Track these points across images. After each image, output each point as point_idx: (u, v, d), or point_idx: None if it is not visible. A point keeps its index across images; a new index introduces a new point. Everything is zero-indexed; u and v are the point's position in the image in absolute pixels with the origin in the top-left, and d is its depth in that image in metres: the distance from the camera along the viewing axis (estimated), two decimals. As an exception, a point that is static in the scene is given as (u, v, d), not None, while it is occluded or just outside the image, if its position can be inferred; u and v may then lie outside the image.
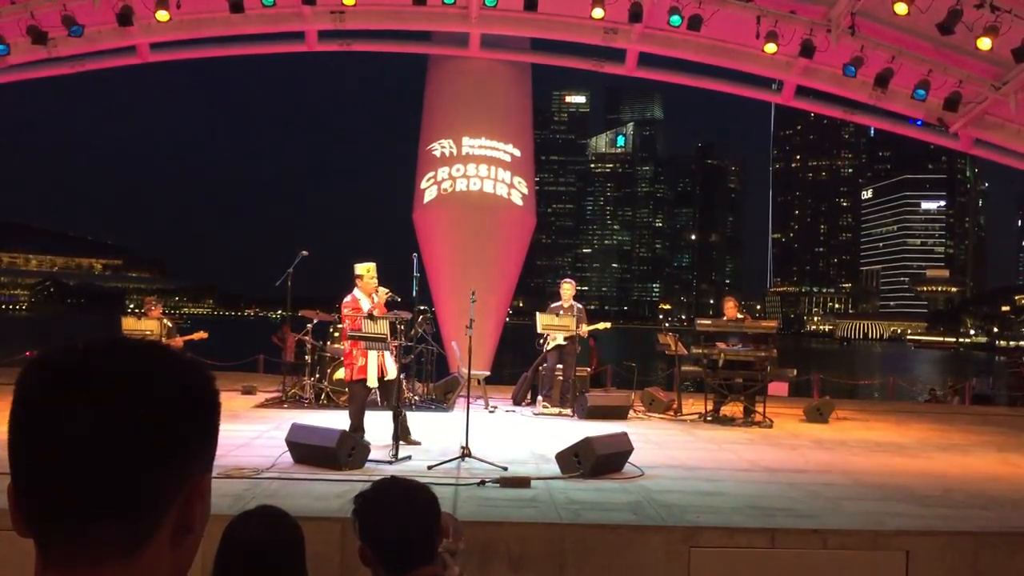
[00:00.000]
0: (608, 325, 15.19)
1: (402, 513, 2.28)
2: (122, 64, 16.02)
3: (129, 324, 12.92)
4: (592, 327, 13.58)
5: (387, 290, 9.96)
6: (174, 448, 0.94)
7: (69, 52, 14.86)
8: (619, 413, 12.43)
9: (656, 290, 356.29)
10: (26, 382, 0.94)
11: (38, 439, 0.91)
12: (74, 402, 0.91)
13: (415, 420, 10.68)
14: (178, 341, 12.92)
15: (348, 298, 9.82)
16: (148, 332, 12.38)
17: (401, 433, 9.25)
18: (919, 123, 16.23)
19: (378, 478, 2.50)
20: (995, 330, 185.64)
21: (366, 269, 9.86)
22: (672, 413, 13.02)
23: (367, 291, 9.79)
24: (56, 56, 14.74)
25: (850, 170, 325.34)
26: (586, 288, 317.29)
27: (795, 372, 15.54)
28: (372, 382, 9.58)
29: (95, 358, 0.94)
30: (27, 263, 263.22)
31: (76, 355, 0.94)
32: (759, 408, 12.34)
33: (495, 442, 9.74)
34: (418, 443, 9.50)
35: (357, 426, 9.38)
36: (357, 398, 9.68)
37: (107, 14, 13.85)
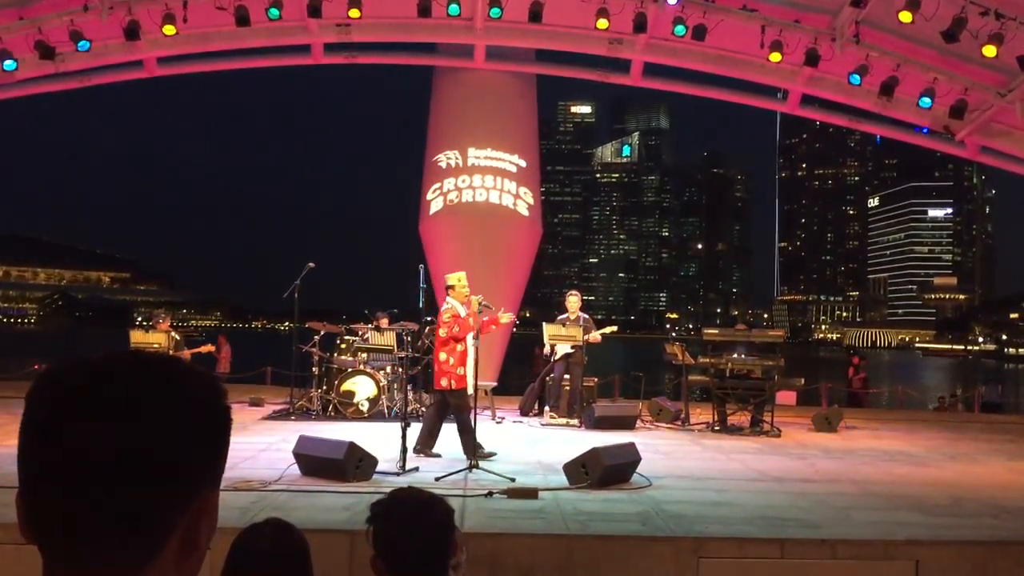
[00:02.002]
0: (614, 329, 15.24)
1: (418, 524, 2.27)
2: (129, 78, 16.09)
3: (137, 337, 12.96)
4: (601, 331, 13.61)
5: (480, 297, 9.92)
6: (183, 465, 0.94)
7: (77, 67, 14.94)
8: (626, 423, 12.42)
9: (663, 299, 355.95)
10: (36, 397, 0.94)
11: (47, 455, 0.91)
12: (83, 419, 0.90)
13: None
14: (186, 354, 12.94)
15: (447, 306, 9.70)
16: (156, 345, 12.43)
17: (424, 443, 9.25)
18: (925, 131, 16.21)
19: (386, 490, 2.49)
20: (1004, 338, 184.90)
21: (457, 279, 9.89)
22: (679, 423, 12.99)
23: (460, 299, 9.77)
24: (64, 71, 14.82)
25: (856, 178, 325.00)
26: (592, 298, 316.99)
27: (803, 381, 15.51)
28: (471, 390, 9.56)
29: (105, 373, 0.94)
30: (35, 276, 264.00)
31: (85, 370, 0.94)
32: (767, 417, 12.31)
33: (502, 453, 9.74)
34: (438, 455, 9.54)
35: (474, 443, 9.34)
36: (466, 408, 9.51)
37: (114, 29, 13.93)
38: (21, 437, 0.93)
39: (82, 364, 0.95)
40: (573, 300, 13.61)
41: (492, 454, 9.53)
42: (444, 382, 9.44)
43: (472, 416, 9.37)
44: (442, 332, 9.52)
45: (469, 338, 9.59)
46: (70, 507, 0.90)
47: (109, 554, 0.91)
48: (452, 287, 9.86)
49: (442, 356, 9.45)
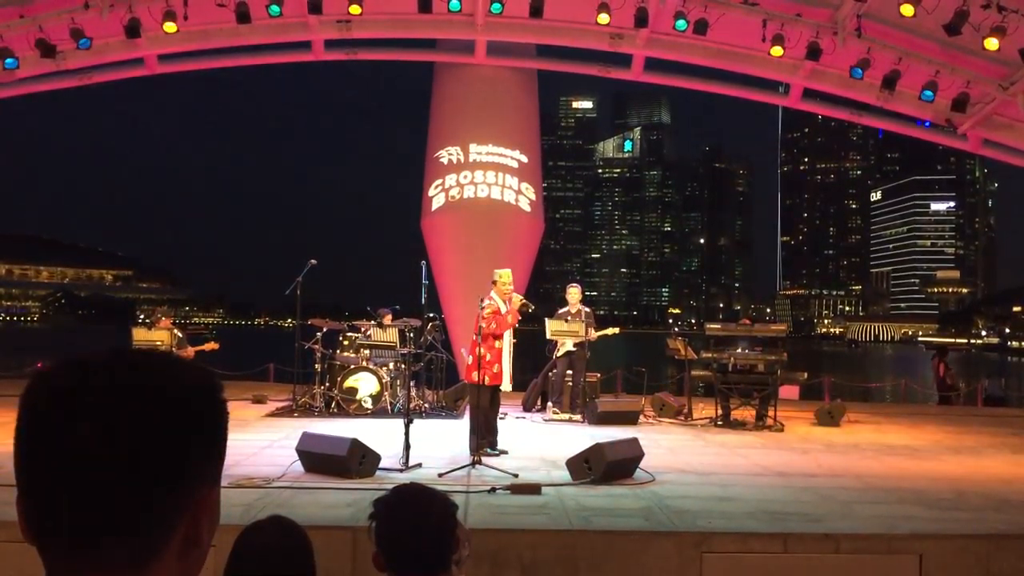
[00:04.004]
0: (616, 330, 15.18)
1: (419, 520, 2.27)
2: (130, 76, 16.12)
3: (140, 335, 12.95)
4: (601, 333, 13.54)
5: (521, 297, 9.96)
6: (181, 465, 0.92)
7: (77, 65, 14.95)
8: (629, 418, 12.41)
9: (665, 294, 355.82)
10: (29, 399, 0.92)
11: (41, 459, 0.90)
12: (76, 423, 0.89)
13: (425, 427, 10.70)
14: (189, 351, 12.94)
15: (488, 301, 9.69)
16: (158, 343, 12.42)
17: (482, 444, 9.25)
18: (927, 124, 16.19)
19: (389, 487, 2.50)
20: (1007, 331, 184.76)
21: (500, 275, 9.97)
22: (682, 418, 12.98)
23: (502, 295, 9.84)
24: (65, 69, 14.84)
25: (858, 172, 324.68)
26: (595, 293, 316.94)
27: (806, 375, 15.49)
28: (506, 386, 9.58)
29: (98, 374, 0.92)
30: (38, 275, 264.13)
31: (78, 372, 0.92)
32: (770, 412, 12.30)
33: (506, 448, 9.73)
34: (504, 452, 9.59)
35: (494, 435, 9.55)
36: (495, 403, 9.72)
37: (115, 26, 13.94)
38: (15, 440, 0.92)
39: (74, 364, 0.93)
40: (573, 292, 13.57)
41: (503, 452, 9.55)
42: (476, 376, 9.43)
43: (491, 416, 9.53)
44: (485, 325, 9.47)
45: (506, 337, 9.61)
46: (65, 511, 0.89)
47: (108, 556, 0.90)
48: (494, 283, 9.94)
49: (479, 351, 9.37)
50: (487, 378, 9.39)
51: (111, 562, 0.90)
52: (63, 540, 0.90)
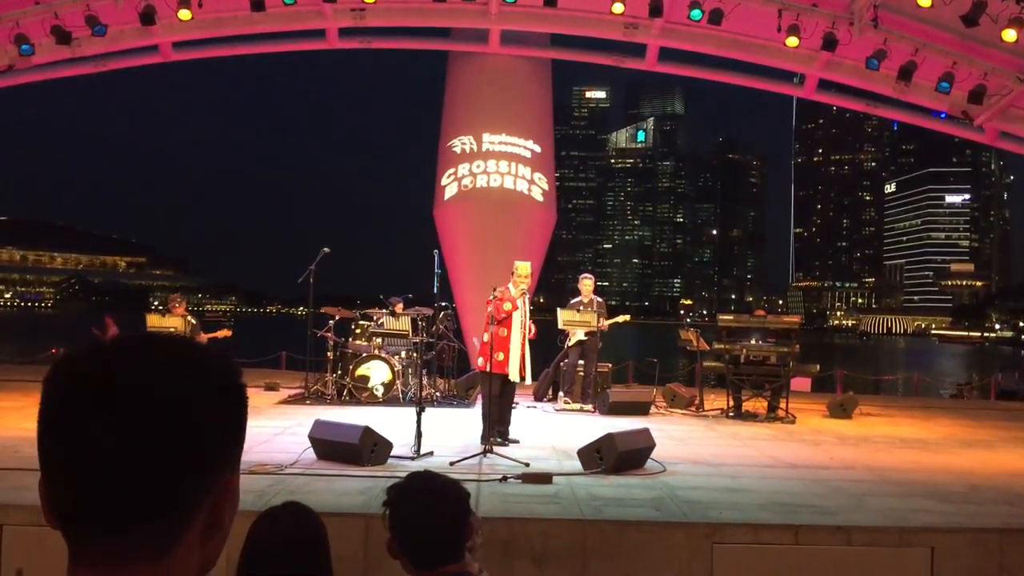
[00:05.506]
0: (627, 318, 15.19)
1: (433, 508, 2.29)
2: (145, 63, 16.15)
3: (153, 321, 13.02)
4: (612, 321, 13.55)
5: (524, 290, 10.09)
6: (201, 452, 0.92)
7: (93, 52, 15.00)
8: (641, 409, 12.42)
9: (677, 286, 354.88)
10: (51, 386, 0.92)
11: (63, 447, 0.90)
12: (97, 411, 0.89)
13: (437, 416, 10.72)
14: (203, 338, 12.99)
15: (501, 289, 9.82)
16: (172, 329, 12.48)
17: (492, 433, 9.28)
18: (943, 116, 16.08)
19: (401, 474, 2.51)
20: (1021, 324, 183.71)
21: (517, 267, 10.10)
22: (694, 409, 12.98)
23: (515, 286, 9.95)
24: (80, 56, 14.89)
25: (873, 164, 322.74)
26: (607, 284, 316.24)
27: (818, 367, 15.44)
28: (515, 376, 9.62)
29: (118, 359, 0.92)
30: (52, 261, 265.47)
31: (99, 358, 0.92)
32: (782, 404, 12.28)
33: (517, 438, 9.75)
34: (516, 441, 9.62)
35: (506, 424, 9.66)
36: (508, 393, 9.80)
37: (130, 14, 13.97)
38: (39, 426, 0.92)
39: (95, 350, 0.93)
40: (587, 283, 13.58)
41: (515, 441, 9.57)
42: (480, 362, 9.58)
43: (502, 406, 9.57)
44: (490, 309, 9.60)
45: (516, 328, 9.62)
46: (89, 497, 0.89)
47: (131, 542, 0.90)
48: (512, 273, 10.03)
49: (485, 337, 9.51)
50: (490, 365, 9.42)
51: (133, 548, 0.91)
52: (84, 527, 0.91)
